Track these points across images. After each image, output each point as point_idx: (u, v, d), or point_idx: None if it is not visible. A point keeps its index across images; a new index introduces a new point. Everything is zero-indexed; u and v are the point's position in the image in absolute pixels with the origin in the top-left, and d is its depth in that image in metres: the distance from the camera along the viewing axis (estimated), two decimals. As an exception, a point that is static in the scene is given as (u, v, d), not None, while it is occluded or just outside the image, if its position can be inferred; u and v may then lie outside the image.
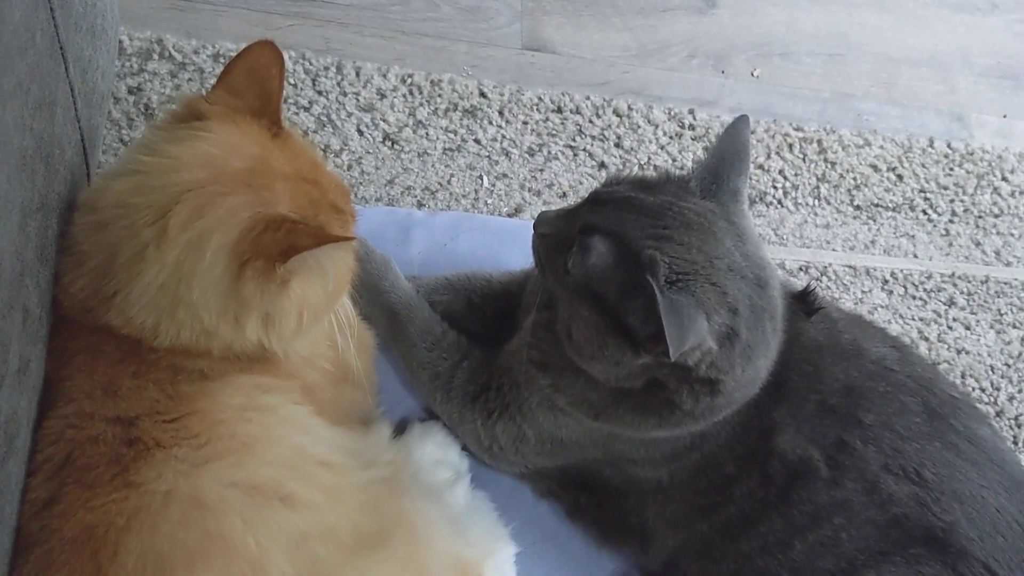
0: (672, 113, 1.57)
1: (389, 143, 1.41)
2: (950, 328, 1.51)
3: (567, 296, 0.91)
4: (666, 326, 0.79)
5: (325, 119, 1.39)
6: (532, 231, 0.97)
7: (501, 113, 1.49)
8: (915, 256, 1.58)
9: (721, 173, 0.92)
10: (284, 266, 0.75)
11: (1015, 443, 1.41)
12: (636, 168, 1.50)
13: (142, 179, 0.79)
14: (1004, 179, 1.69)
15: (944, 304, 1.53)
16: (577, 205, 0.95)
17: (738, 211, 0.92)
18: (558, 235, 0.93)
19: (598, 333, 0.88)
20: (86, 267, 0.80)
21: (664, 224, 0.87)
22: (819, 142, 1.63)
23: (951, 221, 1.63)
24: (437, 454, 1.08)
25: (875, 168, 1.64)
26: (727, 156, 0.93)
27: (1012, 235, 1.64)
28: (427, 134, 1.43)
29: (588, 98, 1.54)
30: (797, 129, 1.63)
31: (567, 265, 0.89)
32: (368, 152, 1.39)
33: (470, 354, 1.12)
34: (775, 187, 1.56)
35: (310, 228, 0.77)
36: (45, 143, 0.81)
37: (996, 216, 1.65)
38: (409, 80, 1.46)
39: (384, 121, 1.42)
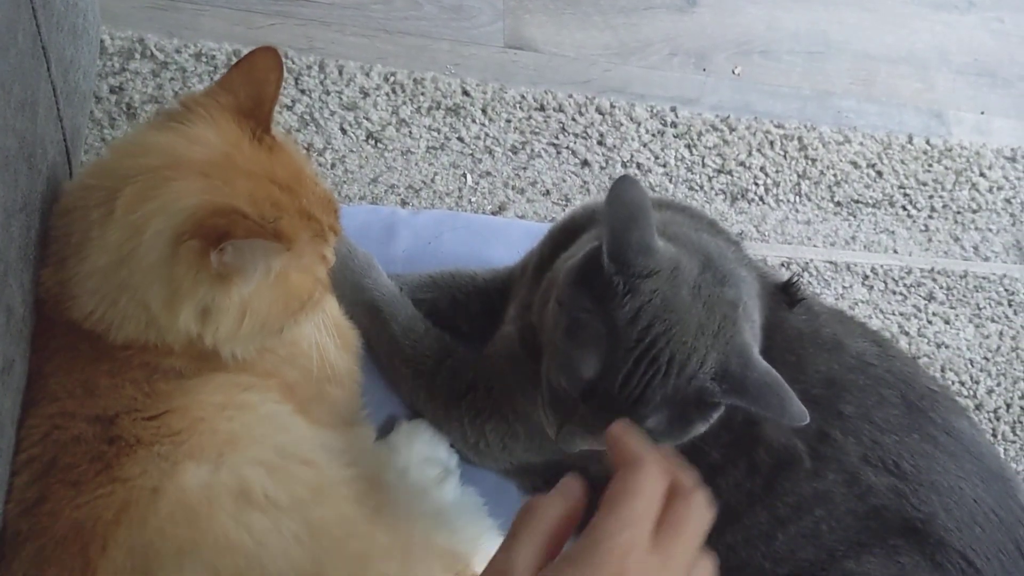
0: (654, 111, 1.58)
1: (372, 141, 1.41)
2: (930, 323, 1.52)
3: None
4: (766, 408, 0.81)
5: (308, 118, 1.39)
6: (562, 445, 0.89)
7: (484, 111, 1.49)
8: (895, 252, 1.59)
9: (624, 241, 0.82)
10: (218, 254, 0.72)
11: (994, 435, 1.43)
12: (619, 166, 1.51)
13: (104, 164, 0.80)
14: (982, 175, 1.71)
15: (924, 299, 1.55)
16: (565, 405, 0.85)
17: (656, 258, 0.84)
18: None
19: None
20: (51, 256, 0.80)
21: (652, 355, 0.81)
22: (800, 139, 1.64)
23: (930, 217, 1.64)
24: (426, 451, 1.08)
25: (855, 165, 1.65)
26: (618, 227, 0.81)
27: (990, 230, 1.66)
28: (410, 132, 1.43)
29: (571, 96, 1.55)
30: (778, 126, 1.64)
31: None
32: (351, 151, 1.39)
33: (453, 351, 1.12)
34: (756, 184, 1.58)
35: (252, 222, 0.74)
36: (27, 143, 0.81)
37: (974, 212, 1.67)
38: (392, 78, 1.46)
39: (367, 119, 1.42)
